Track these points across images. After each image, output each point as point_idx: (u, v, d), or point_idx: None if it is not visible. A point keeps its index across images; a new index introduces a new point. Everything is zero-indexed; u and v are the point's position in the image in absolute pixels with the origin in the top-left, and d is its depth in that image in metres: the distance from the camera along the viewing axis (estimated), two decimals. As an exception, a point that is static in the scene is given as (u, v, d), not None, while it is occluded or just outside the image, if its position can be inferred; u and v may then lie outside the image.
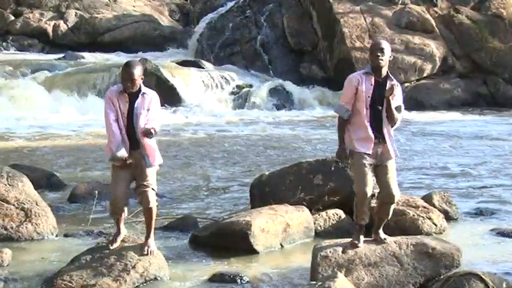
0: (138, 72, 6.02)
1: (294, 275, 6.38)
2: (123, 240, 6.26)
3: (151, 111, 6.03)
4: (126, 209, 6.29)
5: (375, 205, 6.42)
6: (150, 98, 6.07)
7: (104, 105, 6.11)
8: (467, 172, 11.17)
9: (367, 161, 6.07)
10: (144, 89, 6.08)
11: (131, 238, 6.38)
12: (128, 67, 6.03)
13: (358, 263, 6.04)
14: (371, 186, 6.11)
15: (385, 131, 6.11)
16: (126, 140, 6.04)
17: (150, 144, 6.09)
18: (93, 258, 6.08)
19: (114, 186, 6.21)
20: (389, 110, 6.07)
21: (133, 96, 6.04)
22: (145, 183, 6.08)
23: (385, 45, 6.11)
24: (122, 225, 6.34)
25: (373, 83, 6.06)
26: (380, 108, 6.07)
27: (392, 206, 6.25)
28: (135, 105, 6.02)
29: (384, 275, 6.01)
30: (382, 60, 6.04)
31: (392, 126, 6.18)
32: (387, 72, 6.14)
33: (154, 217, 6.23)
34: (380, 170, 6.13)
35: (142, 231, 7.17)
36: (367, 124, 6.05)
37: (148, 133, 5.94)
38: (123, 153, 6.02)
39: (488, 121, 17.51)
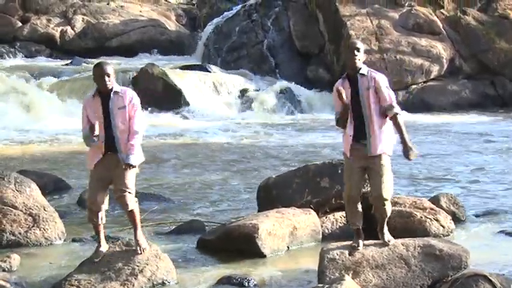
0: (109, 68, 6.07)
1: (301, 278, 6.38)
2: (129, 245, 6.27)
3: (131, 111, 6.01)
4: (103, 215, 6.22)
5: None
6: (127, 96, 6.06)
7: None
8: (475, 173, 11.13)
9: (355, 164, 6.07)
10: (116, 87, 6.09)
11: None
12: (98, 65, 6.14)
13: (365, 265, 6.04)
14: (356, 189, 6.11)
15: (369, 130, 6.02)
16: (103, 146, 6.04)
17: (127, 142, 6.03)
18: (101, 263, 6.10)
19: (90, 190, 6.22)
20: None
21: (106, 97, 6.05)
22: (122, 187, 6.04)
23: (360, 45, 6.11)
24: (102, 237, 6.26)
25: (349, 86, 6.06)
26: (358, 107, 6.02)
27: (387, 205, 6.15)
28: (110, 106, 6.03)
29: (391, 277, 6.00)
30: (358, 59, 6.03)
31: (393, 118, 6.02)
32: (359, 68, 6.05)
33: (138, 217, 6.21)
34: (369, 171, 6.11)
35: (148, 235, 7.20)
36: (351, 126, 6.06)
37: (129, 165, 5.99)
38: (85, 132, 6.05)
39: (496, 122, 17.46)
